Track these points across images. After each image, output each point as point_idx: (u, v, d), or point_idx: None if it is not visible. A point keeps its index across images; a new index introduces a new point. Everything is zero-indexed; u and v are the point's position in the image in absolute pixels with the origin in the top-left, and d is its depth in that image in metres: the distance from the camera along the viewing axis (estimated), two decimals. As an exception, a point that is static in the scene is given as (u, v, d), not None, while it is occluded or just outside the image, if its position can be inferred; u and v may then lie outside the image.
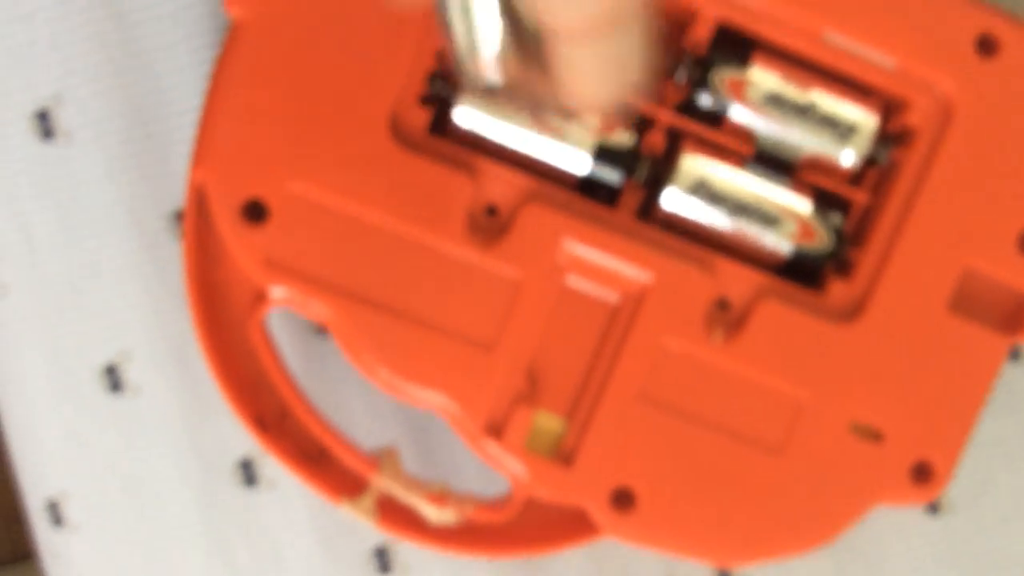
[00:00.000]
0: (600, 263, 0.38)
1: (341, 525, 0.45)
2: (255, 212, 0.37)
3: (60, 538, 0.46)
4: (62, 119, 0.44)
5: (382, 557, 0.45)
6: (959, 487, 0.45)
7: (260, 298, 0.38)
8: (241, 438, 0.45)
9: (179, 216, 0.44)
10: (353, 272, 0.37)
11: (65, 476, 0.46)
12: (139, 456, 0.45)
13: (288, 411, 0.39)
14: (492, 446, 0.38)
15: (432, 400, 0.38)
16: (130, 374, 0.45)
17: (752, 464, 0.38)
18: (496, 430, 0.38)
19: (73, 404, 0.45)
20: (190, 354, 0.45)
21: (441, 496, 0.39)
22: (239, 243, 0.37)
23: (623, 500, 0.38)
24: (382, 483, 0.39)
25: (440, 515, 0.38)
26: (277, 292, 0.37)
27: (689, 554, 0.39)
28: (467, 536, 0.39)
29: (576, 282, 0.38)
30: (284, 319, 0.44)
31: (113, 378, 0.45)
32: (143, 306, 0.45)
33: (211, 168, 0.37)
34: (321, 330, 0.44)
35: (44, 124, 0.44)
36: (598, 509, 0.38)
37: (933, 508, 0.45)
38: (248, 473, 0.45)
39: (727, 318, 0.38)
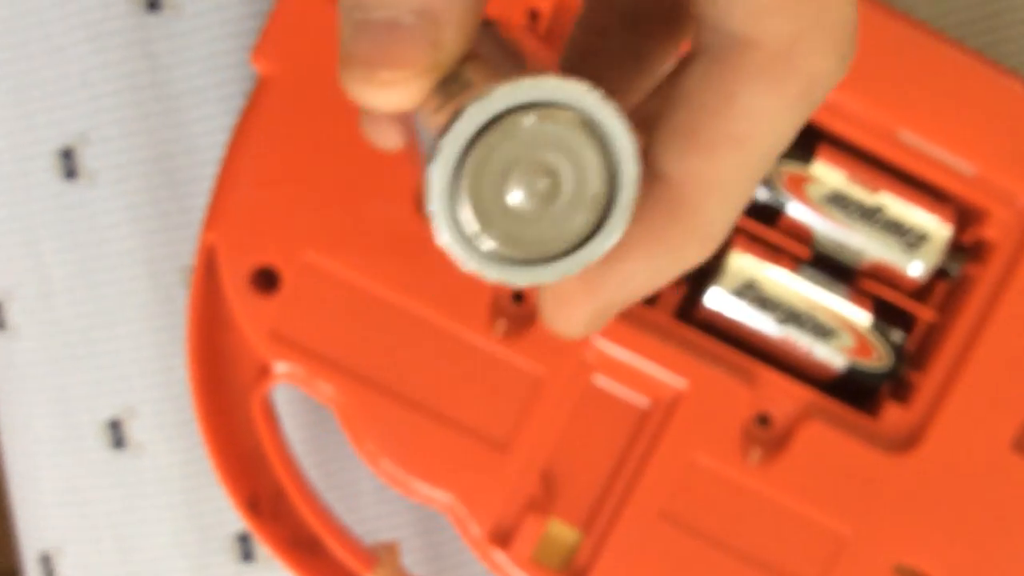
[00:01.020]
0: (632, 364, 0.35)
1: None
2: (266, 280, 0.35)
3: (51, 596, 0.44)
4: (87, 159, 0.42)
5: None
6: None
7: (264, 372, 0.35)
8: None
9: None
10: (364, 353, 0.34)
11: (61, 531, 0.44)
12: (136, 517, 0.43)
13: (283, 493, 0.36)
14: (498, 555, 0.35)
15: (437, 498, 0.35)
16: (133, 431, 0.43)
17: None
18: (503, 538, 0.35)
19: (74, 457, 0.43)
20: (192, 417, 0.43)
21: (440, 601, 0.36)
22: (246, 311, 0.35)
23: (638, 624, 0.35)
24: (378, 580, 0.36)
25: (437, 622, 0.35)
26: (282, 367, 0.35)
27: None
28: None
29: (603, 383, 0.35)
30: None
31: (116, 434, 0.43)
32: (152, 360, 0.42)
33: (224, 231, 0.35)
34: (335, 403, 0.42)
35: (68, 163, 0.42)
36: (609, 633, 0.35)
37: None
38: (245, 548, 0.43)
39: (767, 436, 0.35)
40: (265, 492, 0.36)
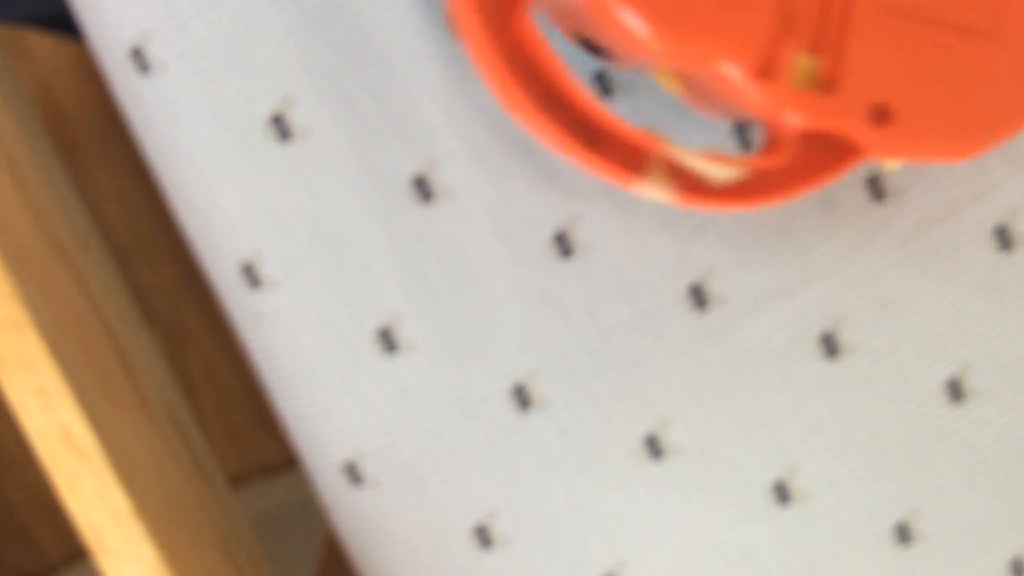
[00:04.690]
0: None
1: (518, 220, 0.45)
2: None
3: (261, 298, 0.45)
4: None
5: (562, 242, 0.45)
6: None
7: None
8: (410, 157, 0.43)
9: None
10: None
11: (254, 235, 0.44)
12: (320, 197, 0.43)
13: (560, 100, 0.37)
14: (757, 91, 0.38)
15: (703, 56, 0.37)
16: (296, 119, 0.42)
17: (979, 55, 0.40)
18: (763, 73, 0.38)
19: (247, 162, 0.43)
20: (348, 88, 0.42)
21: (719, 156, 0.38)
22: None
23: (881, 116, 0.39)
24: (665, 152, 0.38)
25: (724, 172, 0.38)
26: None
27: (940, 156, 0.41)
28: (756, 186, 0.39)
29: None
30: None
31: (281, 127, 0.42)
32: (293, 51, 0.41)
33: None
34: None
35: None
36: (860, 129, 0.39)
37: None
38: (423, 190, 0.44)
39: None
40: (546, 101, 0.37)
